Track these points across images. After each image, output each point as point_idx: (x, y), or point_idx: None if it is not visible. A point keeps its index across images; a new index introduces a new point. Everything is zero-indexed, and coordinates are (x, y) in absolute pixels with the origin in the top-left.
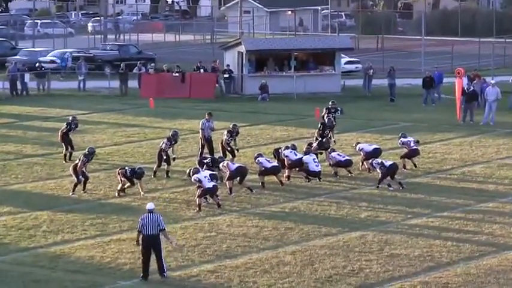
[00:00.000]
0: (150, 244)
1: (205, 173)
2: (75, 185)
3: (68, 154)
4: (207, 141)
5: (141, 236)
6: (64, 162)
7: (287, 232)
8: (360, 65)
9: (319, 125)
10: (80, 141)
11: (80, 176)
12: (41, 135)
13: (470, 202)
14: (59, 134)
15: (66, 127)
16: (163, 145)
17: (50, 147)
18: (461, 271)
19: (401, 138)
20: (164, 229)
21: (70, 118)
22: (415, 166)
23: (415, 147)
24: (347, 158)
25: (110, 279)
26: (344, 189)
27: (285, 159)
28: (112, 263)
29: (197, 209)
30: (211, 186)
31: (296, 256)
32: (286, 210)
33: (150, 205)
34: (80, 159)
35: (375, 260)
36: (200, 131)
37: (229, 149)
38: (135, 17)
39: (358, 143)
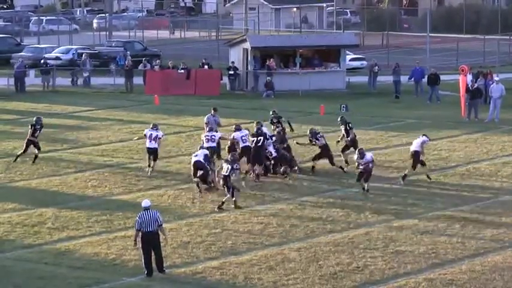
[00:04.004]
0: (150, 241)
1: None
2: None
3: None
4: None
5: (140, 234)
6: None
7: (292, 229)
8: (365, 62)
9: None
10: (85, 137)
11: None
12: (46, 132)
13: (475, 199)
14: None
15: (31, 128)
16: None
17: (54, 144)
18: (466, 268)
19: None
20: (162, 224)
21: (35, 119)
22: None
23: None
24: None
25: (115, 275)
26: (349, 186)
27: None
28: (117, 260)
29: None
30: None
31: (301, 253)
32: (291, 207)
33: (145, 202)
34: None
35: (380, 257)
36: (205, 125)
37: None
38: (140, 14)
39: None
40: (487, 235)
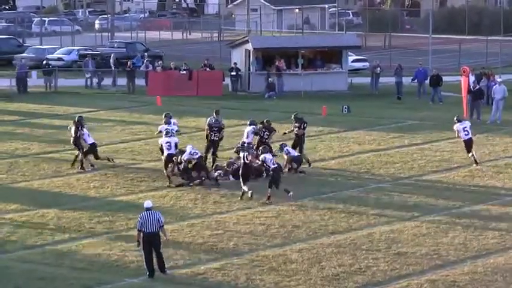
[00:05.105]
0: (151, 242)
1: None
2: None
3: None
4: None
5: (141, 235)
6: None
7: (294, 230)
8: (367, 63)
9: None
10: None
11: None
12: (48, 133)
13: (478, 200)
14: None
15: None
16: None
17: (57, 145)
18: (468, 269)
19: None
20: (163, 225)
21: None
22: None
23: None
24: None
25: (117, 276)
26: (351, 187)
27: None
28: (119, 261)
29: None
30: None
31: (303, 254)
32: (293, 208)
33: (147, 203)
34: None
35: (382, 258)
36: (208, 127)
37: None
38: (142, 15)
39: (285, 145)
40: (489, 236)
